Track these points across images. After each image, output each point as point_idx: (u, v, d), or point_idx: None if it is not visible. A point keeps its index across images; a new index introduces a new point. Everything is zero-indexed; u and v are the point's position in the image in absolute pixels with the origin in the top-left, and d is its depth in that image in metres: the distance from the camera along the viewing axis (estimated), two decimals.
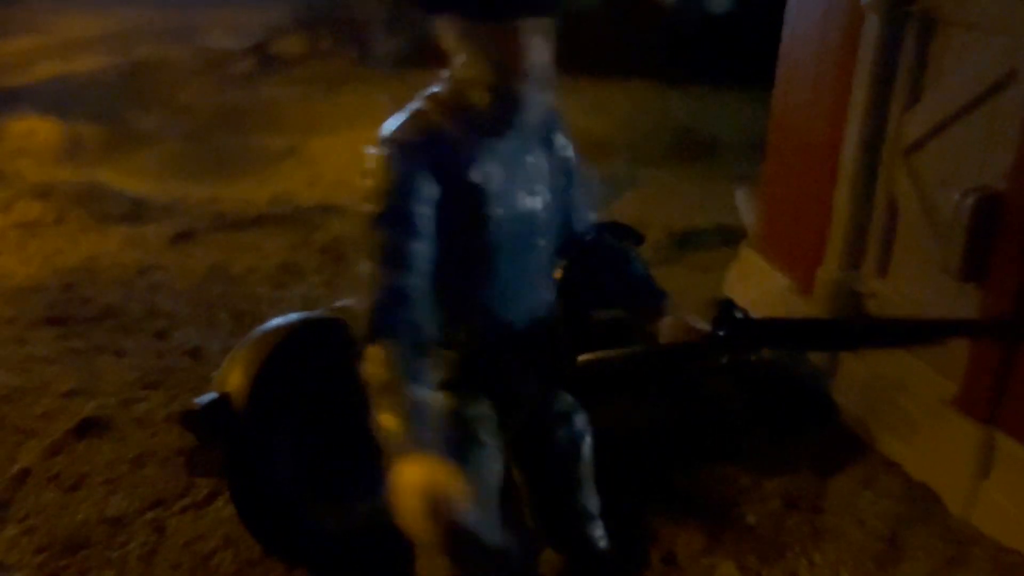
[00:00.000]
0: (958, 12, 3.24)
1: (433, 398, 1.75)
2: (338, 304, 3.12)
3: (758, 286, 4.31)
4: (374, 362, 1.66)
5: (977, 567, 2.94)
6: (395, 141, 1.72)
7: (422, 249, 1.72)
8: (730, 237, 5.34)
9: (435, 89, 1.80)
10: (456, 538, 1.65)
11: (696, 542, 3.03)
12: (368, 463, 2.90)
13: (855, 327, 1.98)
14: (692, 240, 5.75)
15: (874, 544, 3.03)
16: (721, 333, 1.85)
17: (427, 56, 7.49)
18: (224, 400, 2.66)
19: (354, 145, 3.50)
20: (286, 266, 5.18)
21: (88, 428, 3.62)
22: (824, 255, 3.86)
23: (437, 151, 1.73)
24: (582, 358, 1.95)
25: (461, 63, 1.73)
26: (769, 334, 1.88)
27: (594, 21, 9.90)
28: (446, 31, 1.73)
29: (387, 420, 1.63)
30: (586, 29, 9.84)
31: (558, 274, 3.64)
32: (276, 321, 2.87)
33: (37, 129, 7.96)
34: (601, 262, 2.07)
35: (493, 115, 1.76)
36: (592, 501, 2.10)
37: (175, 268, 5.17)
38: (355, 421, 2.89)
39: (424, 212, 1.72)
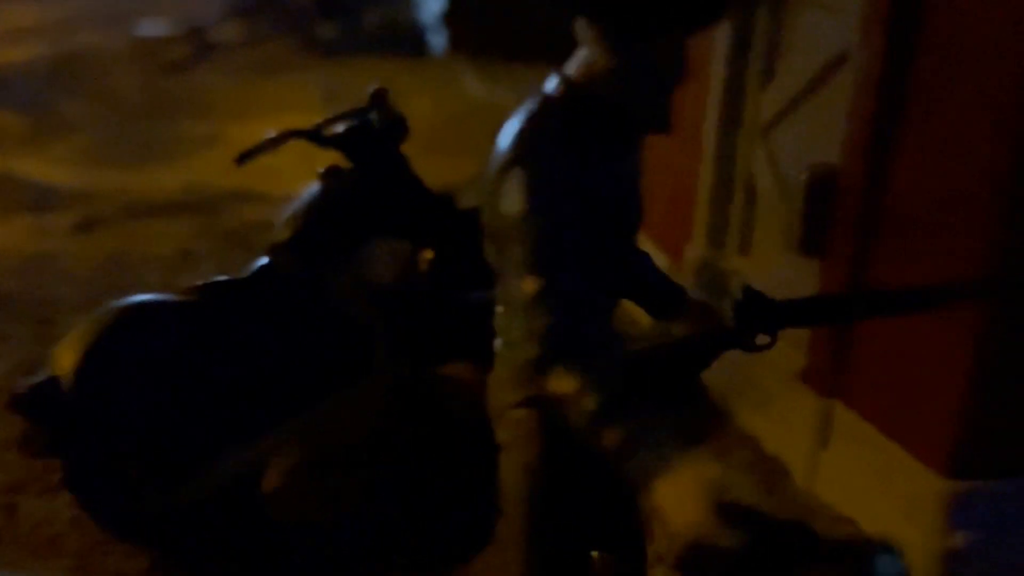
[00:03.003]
0: None
1: None
2: (190, 284, 3.14)
3: None
4: (572, 388, 1.49)
5: None
6: (548, 148, 1.60)
7: (587, 261, 1.60)
8: None
9: (555, 92, 1.68)
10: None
11: None
12: (207, 443, 2.96)
13: (870, 298, 2.01)
14: None
15: None
16: (745, 318, 1.87)
17: (365, 42, 7.47)
18: (53, 382, 2.68)
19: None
20: (184, 253, 5.19)
21: None
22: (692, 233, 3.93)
23: (586, 160, 1.63)
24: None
25: (603, 68, 1.64)
26: (791, 314, 1.90)
27: (534, 4, 9.92)
28: (594, 38, 1.64)
29: (611, 440, 1.46)
30: (527, 11, 9.88)
31: (428, 255, 3.70)
32: (113, 303, 2.90)
33: None
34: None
35: (632, 124, 1.70)
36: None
37: (73, 256, 5.17)
38: (196, 400, 2.96)
39: (580, 223, 1.60)
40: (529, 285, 1.54)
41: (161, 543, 2.93)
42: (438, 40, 10.42)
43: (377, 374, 3.39)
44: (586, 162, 1.62)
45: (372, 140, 3.35)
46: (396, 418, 3.49)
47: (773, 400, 3.43)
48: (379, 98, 3.35)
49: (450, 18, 10.24)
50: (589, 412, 1.47)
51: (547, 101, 1.68)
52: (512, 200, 1.58)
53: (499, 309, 1.86)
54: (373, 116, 3.32)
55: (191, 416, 2.92)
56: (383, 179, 3.41)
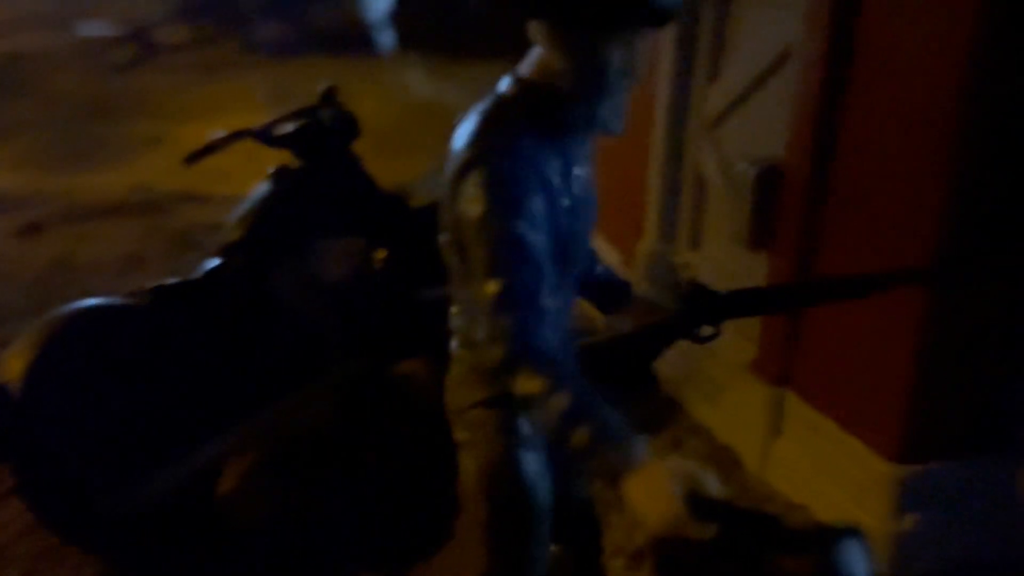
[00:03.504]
0: None
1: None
2: (140, 287, 3.10)
3: None
4: (540, 388, 1.51)
5: None
6: (506, 149, 1.60)
7: (547, 261, 1.61)
8: None
9: (509, 92, 1.70)
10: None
11: None
12: (160, 447, 2.93)
13: (809, 287, 2.05)
14: None
15: None
16: (692, 308, 1.94)
17: (312, 42, 7.42)
18: (1, 388, 2.64)
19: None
20: (131, 256, 5.13)
21: None
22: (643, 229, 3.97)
23: (543, 160, 1.64)
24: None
25: (557, 68, 1.64)
26: (733, 305, 1.95)
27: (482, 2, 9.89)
28: (546, 35, 1.63)
29: (581, 439, 1.48)
30: (475, 9, 9.85)
31: (381, 254, 3.70)
32: (61, 308, 2.85)
33: None
34: None
35: (586, 123, 1.70)
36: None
37: (18, 261, 5.08)
38: (148, 404, 2.92)
39: (539, 223, 1.61)
40: (491, 286, 1.56)
41: (114, 549, 2.89)
42: (386, 39, 10.38)
43: (331, 373, 3.38)
44: (542, 161, 1.63)
45: (322, 139, 3.34)
46: (352, 417, 3.49)
47: (725, 391, 3.48)
48: (329, 96, 3.35)
49: (398, 16, 10.20)
50: (559, 412, 1.50)
51: (501, 101, 1.69)
52: (472, 202, 1.59)
53: (454, 309, 1.87)
54: (323, 115, 3.31)
55: (143, 420, 2.88)
56: (334, 178, 3.41)
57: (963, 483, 2.87)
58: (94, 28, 10.98)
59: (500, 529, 1.87)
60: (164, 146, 7.28)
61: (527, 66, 1.70)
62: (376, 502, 3.23)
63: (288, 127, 3.33)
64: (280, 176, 3.32)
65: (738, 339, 3.48)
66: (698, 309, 1.96)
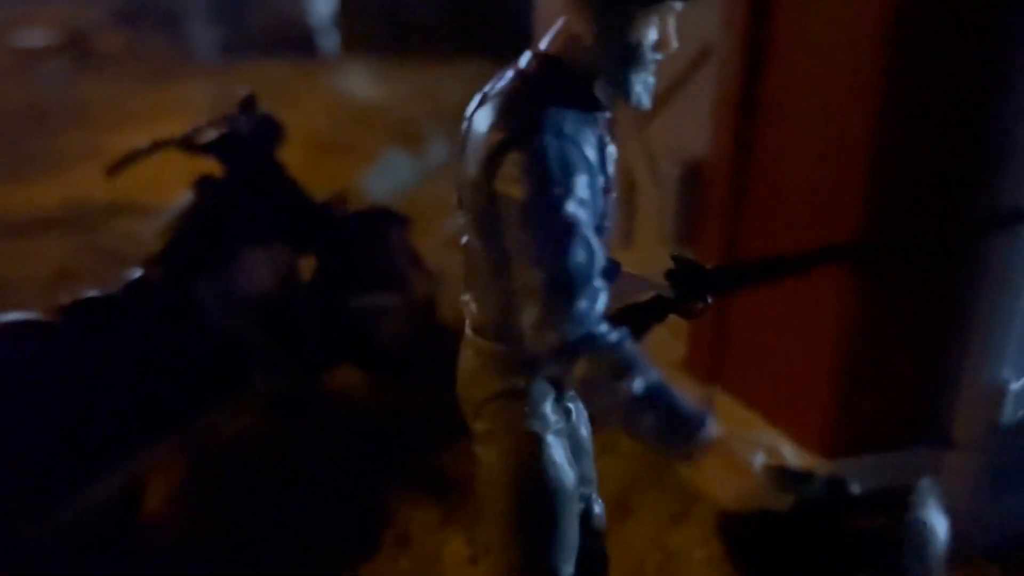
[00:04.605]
0: None
1: None
2: (56, 303, 3.03)
3: None
4: (606, 371, 1.50)
5: (697, 522, 3.07)
6: (544, 126, 1.54)
7: (596, 241, 1.56)
8: None
9: (533, 69, 1.65)
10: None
11: (430, 520, 3.08)
12: (80, 466, 2.87)
13: (786, 259, 2.06)
14: None
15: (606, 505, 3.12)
16: (684, 284, 1.92)
17: (254, 45, 7.27)
18: None
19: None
20: (63, 271, 5.02)
21: None
22: None
23: (582, 137, 1.59)
24: None
25: (588, 43, 1.60)
26: (725, 278, 1.95)
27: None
28: (581, 10, 1.59)
29: (651, 422, 1.50)
30: (417, 7, 9.78)
31: (309, 263, 3.65)
32: None
33: None
34: None
35: (619, 99, 1.66)
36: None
37: None
38: (66, 422, 2.86)
39: (586, 202, 1.56)
40: (545, 269, 1.51)
41: (36, 573, 2.82)
42: (329, 41, 10.30)
43: (256, 386, 3.34)
44: (581, 139, 1.58)
45: (244, 145, 3.30)
46: (282, 428, 3.45)
47: None
48: (248, 103, 3.31)
49: (341, 19, 10.13)
50: (628, 396, 1.48)
51: (527, 78, 1.65)
52: (515, 183, 1.53)
53: (466, 297, 1.82)
54: (243, 121, 3.27)
55: (61, 439, 2.81)
56: (258, 185, 3.37)
57: (892, 475, 2.88)
58: (28, 38, 10.76)
59: (530, 518, 1.83)
60: (99, 157, 7.08)
61: (549, 42, 1.66)
62: (304, 515, 3.18)
63: (210, 134, 3.28)
64: (202, 185, 3.28)
65: (669, 338, 3.48)
66: (690, 284, 1.95)
